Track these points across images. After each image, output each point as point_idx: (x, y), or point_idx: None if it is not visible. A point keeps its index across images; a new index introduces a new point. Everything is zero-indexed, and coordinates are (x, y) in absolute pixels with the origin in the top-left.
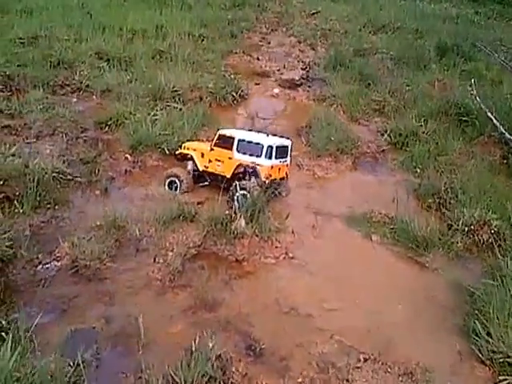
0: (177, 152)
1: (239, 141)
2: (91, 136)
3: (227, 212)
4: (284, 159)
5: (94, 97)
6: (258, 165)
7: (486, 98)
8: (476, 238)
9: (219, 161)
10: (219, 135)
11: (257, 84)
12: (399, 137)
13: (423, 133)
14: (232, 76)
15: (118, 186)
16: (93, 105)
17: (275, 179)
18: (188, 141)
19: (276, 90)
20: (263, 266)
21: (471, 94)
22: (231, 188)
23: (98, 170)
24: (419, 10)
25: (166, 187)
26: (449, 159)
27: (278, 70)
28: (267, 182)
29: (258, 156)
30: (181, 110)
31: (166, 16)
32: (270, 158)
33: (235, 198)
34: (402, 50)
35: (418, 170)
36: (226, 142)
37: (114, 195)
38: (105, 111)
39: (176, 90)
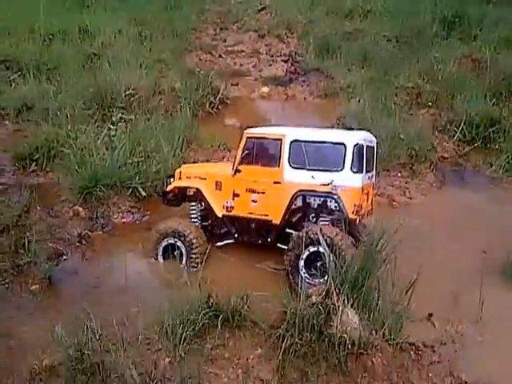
0: (168, 188)
1: (293, 143)
2: (8, 183)
3: (312, 298)
4: (371, 173)
5: (7, 121)
6: (337, 186)
7: None
8: None
9: (255, 192)
10: (248, 138)
11: (234, 85)
12: (476, 129)
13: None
14: (203, 72)
15: (72, 268)
16: (6, 132)
17: (364, 213)
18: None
19: (265, 89)
20: None
21: None
22: (289, 246)
23: (29, 242)
24: None
25: (160, 257)
26: None
27: (254, 67)
28: (358, 220)
29: (336, 169)
30: (148, 120)
31: (90, 16)
32: (360, 170)
33: (300, 264)
34: (396, 30)
35: None
36: (264, 151)
37: (68, 286)
38: (27, 138)
39: (131, 94)
